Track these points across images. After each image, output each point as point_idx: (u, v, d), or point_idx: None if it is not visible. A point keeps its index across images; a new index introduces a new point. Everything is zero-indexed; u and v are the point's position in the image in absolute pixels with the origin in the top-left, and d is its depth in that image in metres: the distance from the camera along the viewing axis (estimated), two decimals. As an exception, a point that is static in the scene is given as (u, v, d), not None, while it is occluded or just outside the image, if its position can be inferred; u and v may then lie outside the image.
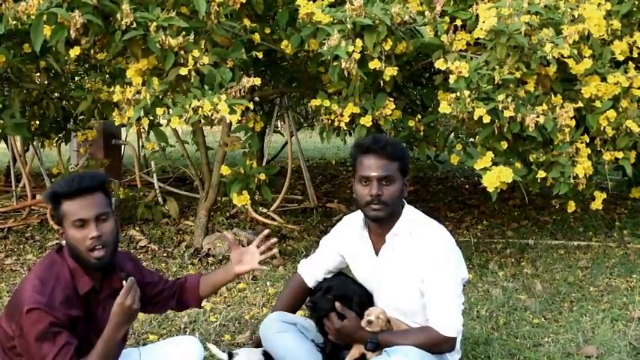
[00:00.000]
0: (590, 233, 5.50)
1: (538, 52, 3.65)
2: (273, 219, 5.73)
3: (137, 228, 5.53)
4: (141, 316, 3.55)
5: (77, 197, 2.27)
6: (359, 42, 3.69)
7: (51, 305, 2.20)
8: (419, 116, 4.45)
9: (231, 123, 4.23)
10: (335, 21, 3.75)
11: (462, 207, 6.63)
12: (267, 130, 6.88)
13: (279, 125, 8.91)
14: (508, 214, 6.26)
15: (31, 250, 5.07)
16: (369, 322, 2.66)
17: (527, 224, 5.83)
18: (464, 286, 2.75)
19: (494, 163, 3.84)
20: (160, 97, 3.71)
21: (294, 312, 3.05)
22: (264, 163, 6.32)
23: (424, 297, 2.66)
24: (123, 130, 7.02)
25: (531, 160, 3.97)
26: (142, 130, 4.02)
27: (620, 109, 4.01)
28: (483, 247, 5.14)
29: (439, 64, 3.83)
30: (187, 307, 2.82)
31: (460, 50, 3.95)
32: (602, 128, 3.96)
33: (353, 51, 3.66)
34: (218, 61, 3.84)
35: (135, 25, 3.51)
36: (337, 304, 2.71)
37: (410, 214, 2.75)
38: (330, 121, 4.19)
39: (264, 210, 5.88)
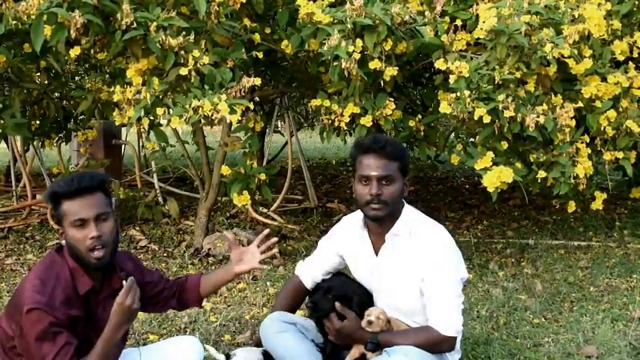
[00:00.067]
0: (590, 233, 5.50)
1: (538, 52, 3.65)
2: (273, 219, 5.73)
3: (137, 228, 5.53)
4: (141, 316, 3.55)
5: (77, 197, 2.27)
6: (359, 42, 3.69)
7: (51, 305, 2.20)
8: (419, 116, 4.45)
9: (231, 123, 4.23)
10: (335, 21, 3.75)
11: (462, 207, 6.63)
12: (267, 130, 6.88)
13: (280, 125, 8.92)
14: (508, 214, 6.26)
15: (32, 250, 5.07)
16: (369, 323, 2.66)
17: (527, 224, 5.83)
18: (464, 285, 2.76)
19: (495, 163, 3.84)
20: (160, 97, 3.71)
21: (292, 313, 3.05)
22: (264, 163, 6.32)
23: (424, 297, 2.66)
24: (123, 130, 7.03)
25: (531, 160, 3.97)
26: (142, 130, 4.01)
27: (621, 109, 4.01)
28: (483, 247, 5.14)
29: (439, 64, 3.83)
30: (188, 306, 2.82)
31: (460, 50, 3.95)
32: (602, 128, 3.96)
33: (353, 51, 3.66)
34: (218, 61, 3.84)
35: (135, 25, 3.51)
36: (337, 305, 2.71)
37: (409, 213, 2.75)
38: (330, 121, 4.19)
39: (265, 210, 5.88)
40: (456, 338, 2.65)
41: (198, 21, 3.77)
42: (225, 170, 4.35)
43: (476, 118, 3.69)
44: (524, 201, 5.87)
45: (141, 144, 7.05)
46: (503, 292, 4.04)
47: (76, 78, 5.94)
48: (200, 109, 3.51)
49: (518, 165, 3.96)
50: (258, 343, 2.97)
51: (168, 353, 2.60)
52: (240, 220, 5.76)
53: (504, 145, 3.87)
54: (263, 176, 4.34)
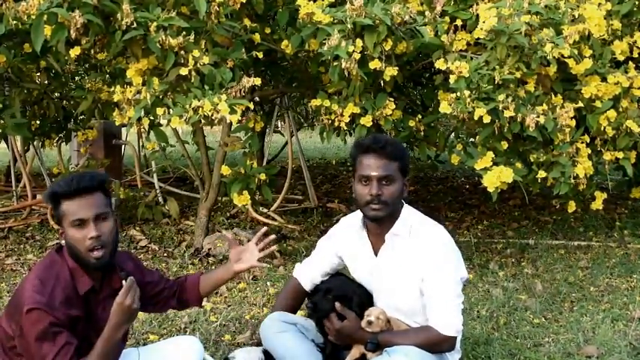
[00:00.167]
0: (590, 233, 5.50)
1: (538, 52, 3.65)
2: (273, 219, 5.73)
3: (137, 228, 5.53)
4: (141, 315, 3.55)
5: (76, 197, 2.27)
6: (359, 42, 3.69)
7: (51, 305, 2.20)
8: (419, 116, 4.45)
9: (231, 123, 4.23)
10: (335, 21, 3.75)
11: (462, 207, 6.63)
12: (267, 130, 6.88)
13: (280, 125, 8.92)
14: (508, 214, 6.26)
15: (32, 250, 5.07)
16: (369, 323, 2.66)
17: (527, 224, 5.83)
18: (464, 285, 2.76)
19: (495, 163, 3.84)
20: (161, 97, 3.71)
21: None
22: (264, 163, 6.32)
23: (424, 297, 2.66)
24: (123, 130, 7.03)
25: (532, 160, 3.97)
26: (142, 130, 4.02)
27: (621, 109, 4.01)
28: (484, 247, 5.14)
29: (439, 64, 3.83)
30: (188, 306, 2.82)
31: (460, 50, 3.95)
32: (602, 128, 3.96)
33: (353, 51, 3.66)
34: (218, 61, 3.84)
35: (135, 25, 3.51)
36: (337, 305, 2.71)
37: (409, 214, 2.75)
38: (330, 121, 4.19)
39: (265, 210, 5.88)
40: (456, 338, 2.65)
41: (198, 21, 3.77)
42: (226, 170, 4.35)
43: (476, 118, 3.69)
44: (525, 201, 5.87)
45: (141, 144, 7.06)
46: (504, 292, 4.04)
47: (76, 78, 5.95)
48: (200, 109, 3.51)
49: (519, 165, 3.96)
50: (258, 343, 2.97)
51: (168, 353, 2.60)
52: (240, 220, 5.76)
53: (504, 145, 3.87)
54: (263, 176, 4.34)
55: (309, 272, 2.99)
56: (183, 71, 3.65)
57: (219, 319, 3.62)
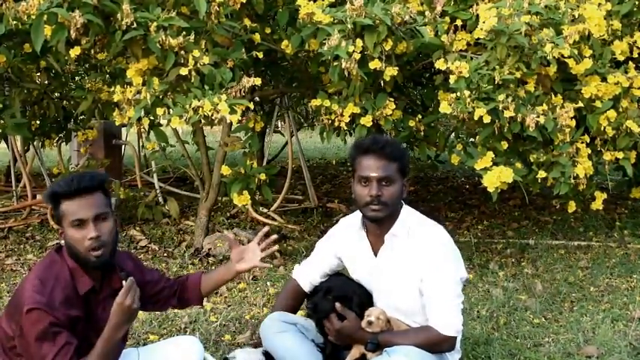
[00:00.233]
0: (590, 233, 5.50)
1: (538, 52, 3.65)
2: (273, 219, 5.74)
3: (137, 228, 5.53)
4: (141, 315, 3.55)
5: (76, 197, 2.27)
6: (359, 42, 3.69)
7: (51, 305, 2.20)
8: (419, 116, 4.45)
9: (231, 123, 4.23)
10: (335, 21, 3.75)
11: (462, 207, 6.63)
12: (267, 130, 6.88)
13: (280, 125, 8.92)
14: (508, 214, 6.26)
15: (32, 250, 5.07)
16: (369, 323, 2.66)
17: (527, 224, 5.83)
18: (464, 285, 2.75)
19: (495, 163, 3.84)
20: (161, 97, 3.71)
21: None
22: (264, 163, 6.32)
23: (423, 297, 2.66)
24: (123, 130, 7.04)
25: (532, 160, 3.97)
26: (142, 130, 4.02)
27: (621, 109, 4.01)
28: (484, 247, 5.14)
29: (439, 64, 3.83)
30: (189, 305, 2.82)
31: (460, 50, 3.95)
32: (602, 128, 3.96)
33: (353, 51, 3.66)
34: (218, 61, 3.84)
35: (135, 25, 3.51)
36: (337, 305, 2.71)
37: (408, 214, 2.75)
38: (330, 121, 4.19)
39: (265, 210, 5.88)
40: (456, 338, 2.65)
41: (198, 21, 3.77)
42: (226, 170, 4.35)
43: (476, 118, 3.69)
44: (525, 201, 5.87)
45: (141, 144, 7.06)
46: (504, 292, 4.04)
47: (76, 78, 5.95)
48: (200, 109, 3.51)
49: (519, 165, 3.96)
50: (257, 344, 2.97)
51: (169, 353, 2.60)
52: (240, 220, 5.76)
53: (504, 145, 3.87)
54: (263, 176, 4.34)
55: (309, 273, 2.99)
56: (183, 71, 3.65)
57: (219, 319, 3.62)
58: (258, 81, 3.75)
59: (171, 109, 3.64)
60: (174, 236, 5.39)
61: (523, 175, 3.91)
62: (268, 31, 4.32)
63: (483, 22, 3.68)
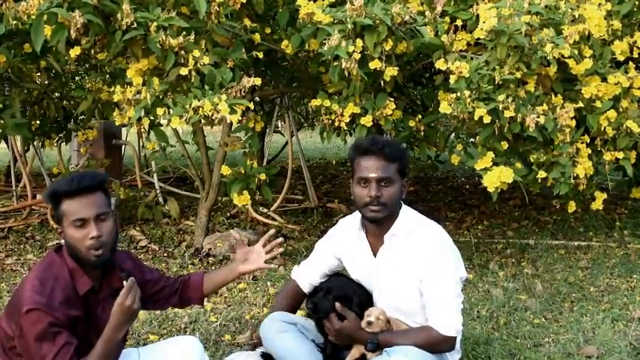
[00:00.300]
0: (590, 233, 5.50)
1: (538, 53, 3.65)
2: (273, 219, 5.74)
3: (137, 228, 5.53)
4: (141, 315, 3.55)
5: (77, 196, 2.27)
6: (359, 42, 3.69)
7: (50, 305, 2.19)
8: (419, 116, 4.45)
9: (231, 123, 4.24)
10: (335, 21, 3.75)
11: (462, 207, 6.63)
12: (267, 130, 6.88)
13: (280, 125, 8.92)
14: (508, 214, 6.26)
15: (32, 250, 5.07)
16: (369, 323, 2.66)
17: (527, 224, 5.83)
18: (463, 285, 2.75)
19: (495, 164, 3.84)
20: (161, 97, 3.71)
21: None
22: (264, 163, 6.32)
23: (423, 297, 2.66)
24: (123, 130, 7.04)
25: (532, 161, 3.97)
26: (142, 130, 4.02)
27: (621, 110, 4.01)
28: (484, 247, 5.14)
29: (439, 65, 3.83)
30: (190, 304, 2.82)
31: (460, 50, 3.95)
32: (602, 128, 3.96)
33: (353, 51, 3.66)
34: (218, 61, 3.84)
35: (135, 25, 3.51)
36: (337, 305, 2.71)
37: (407, 214, 2.75)
38: (330, 121, 4.19)
39: (265, 210, 5.88)
40: (455, 338, 2.65)
41: (198, 21, 3.77)
42: (226, 170, 4.35)
43: (476, 118, 3.69)
44: (525, 201, 5.87)
45: (141, 144, 7.06)
46: (504, 292, 4.04)
47: (76, 78, 5.95)
48: (200, 109, 3.51)
49: (519, 165, 3.96)
50: (257, 344, 2.96)
51: (169, 353, 2.59)
52: (240, 220, 5.76)
53: (504, 145, 3.87)
54: (263, 176, 4.34)
55: (308, 274, 2.99)
56: (184, 71, 3.65)
57: (219, 319, 3.62)
58: (258, 81, 3.75)
59: (171, 109, 3.64)
60: (174, 236, 5.39)
61: (523, 175, 3.91)
62: (268, 31, 4.32)
63: (483, 22, 3.68)
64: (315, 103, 4.21)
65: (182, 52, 3.64)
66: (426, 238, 2.69)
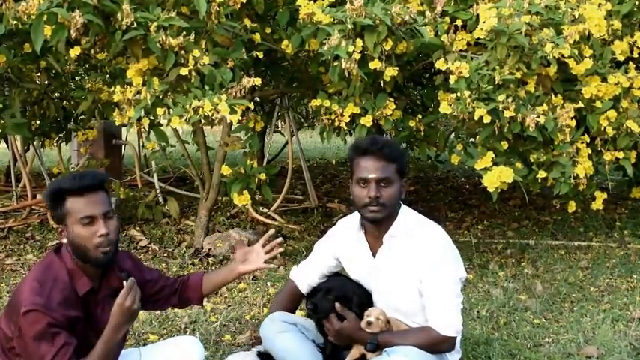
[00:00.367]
0: (590, 233, 5.50)
1: (538, 53, 3.65)
2: (273, 219, 5.74)
3: (137, 228, 5.53)
4: (141, 315, 3.55)
5: (83, 194, 2.27)
6: (359, 42, 3.69)
7: (49, 306, 2.19)
8: (419, 116, 4.45)
9: (231, 123, 4.23)
10: (335, 21, 3.75)
11: (462, 207, 6.63)
12: (267, 130, 6.88)
13: (280, 125, 8.92)
14: (509, 214, 6.26)
15: (32, 250, 5.07)
16: (369, 323, 2.66)
17: (527, 224, 5.83)
18: (463, 285, 2.75)
19: (495, 164, 3.84)
20: (161, 97, 3.71)
21: None
22: (264, 163, 6.32)
23: (423, 297, 2.66)
24: (123, 130, 7.04)
25: (532, 161, 3.97)
26: (142, 130, 4.02)
27: (621, 109, 4.01)
28: (484, 247, 5.14)
29: (439, 65, 3.83)
30: (189, 304, 2.82)
31: (460, 50, 3.95)
32: (602, 128, 3.96)
33: (353, 51, 3.66)
34: (218, 61, 3.84)
35: (135, 25, 3.51)
36: (337, 305, 2.71)
37: (406, 214, 2.75)
38: (330, 121, 4.19)
39: (265, 210, 5.88)
40: (455, 338, 2.65)
41: (198, 21, 3.77)
42: (226, 170, 4.35)
43: (476, 118, 3.69)
44: (525, 201, 5.87)
45: (141, 144, 7.06)
46: (504, 292, 4.04)
47: (76, 78, 5.95)
48: (200, 109, 3.51)
49: (519, 165, 3.97)
50: (255, 343, 2.96)
51: (169, 353, 2.60)
52: (240, 220, 5.76)
53: (504, 145, 3.87)
54: (263, 176, 4.34)
55: (306, 275, 2.98)
56: (184, 71, 3.65)
57: (219, 319, 3.62)
58: (258, 81, 3.75)
59: (171, 109, 3.64)
60: (174, 236, 5.39)
61: (523, 175, 3.91)
62: (268, 31, 4.33)
63: (483, 22, 3.68)
64: (315, 103, 4.22)
65: (182, 52, 3.64)
66: (426, 238, 2.68)
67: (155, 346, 2.73)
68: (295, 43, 4.04)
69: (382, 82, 3.98)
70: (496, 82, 3.70)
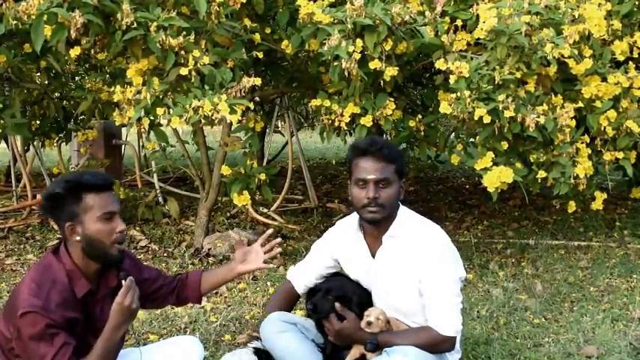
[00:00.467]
0: (590, 233, 5.50)
1: (538, 52, 3.65)
2: (273, 219, 5.73)
3: (137, 228, 5.53)
4: (141, 315, 3.55)
5: (102, 191, 2.30)
6: (359, 42, 3.69)
7: (47, 308, 2.19)
8: (419, 116, 4.45)
9: (231, 123, 4.23)
10: (335, 21, 3.75)
11: (462, 207, 6.63)
12: (267, 130, 6.88)
13: (280, 125, 8.92)
14: (508, 214, 6.26)
15: (32, 250, 5.07)
16: (369, 323, 2.66)
17: (527, 224, 5.83)
18: (463, 285, 2.75)
19: (495, 164, 3.84)
20: (161, 97, 3.71)
21: None
22: (264, 163, 6.32)
23: (422, 297, 2.66)
24: (123, 130, 7.04)
25: (532, 161, 3.97)
26: (142, 130, 4.02)
27: (621, 109, 4.01)
28: (484, 247, 5.14)
29: (439, 65, 3.83)
30: (187, 302, 2.83)
31: (460, 50, 3.95)
32: (602, 128, 3.96)
33: (353, 51, 3.66)
34: (218, 61, 3.84)
35: (135, 25, 3.51)
36: (337, 305, 2.71)
37: (405, 215, 2.75)
38: (330, 121, 4.19)
39: (265, 210, 5.88)
40: (455, 338, 2.65)
41: (198, 21, 3.78)
42: (226, 170, 4.35)
43: (476, 118, 3.69)
44: (525, 201, 5.87)
45: (141, 144, 7.06)
46: (504, 292, 4.04)
47: (76, 78, 5.95)
48: (200, 109, 3.51)
49: (519, 165, 3.96)
50: (248, 340, 2.93)
51: (169, 353, 2.60)
52: (240, 220, 5.76)
53: (504, 145, 3.87)
54: (263, 176, 4.34)
55: (303, 275, 2.98)
56: (184, 71, 3.65)
57: (219, 319, 3.62)
58: (258, 81, 3.75)
59: (171, 109, 3.64)
60: (174, 236, 5.39)
61: (523, 175, 3.91)
62: (268, 31, 4.33)
63: (483, 22, 3.68)
64: (315, 103, 4.21)
65: (182, 52, 3.64)
66: (425, 238, 2.68)
67: (155, 346, 2.72)
68: (295, 43, 4.04)
69: (382, 82, 3.98)
70: (496, 82, 3.70)
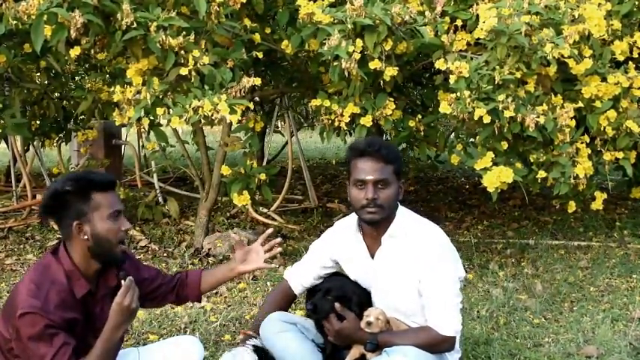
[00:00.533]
0: (590, 233, 5.50)
1: (538, 52, 3.65)
2: (273, 219, 5.74)
3: (137, 228, 5.53)
4: (141, 315, 3.55)
5: (108, 190, 2.31)
6: (359, 42, 3.69)
7: (46, 309, 2.18)
8: (419, 116, 4.45)
9: (231, 123, 4.23)
10: (335, 21, 3.75)
11: (462, 207, 6.63)
12: (267, 130, 6.88)
13: (280, 125, 8.92)
14: (508, 214, 6.26)
15: (32, 250, 5.07)
16: (369, 324, 2.66)
17: (527, 224, 5.83)
18: (463, 285, 2.75)
19: (495, 164, 3.84)
20: (161, 97, 3.71)
21: None
22: (264, 163, 6.32)
23: (422, 297, 2.66)
24: (123, 130, 7.04)
25: (532, 161, 3.97)
26: (142, 130, 4.02)
27: (621, 109, 4.01)
28: (484, 247, 5.14)
29: (439, 64, 3.83)
30: (186, 301, 2.83)
31: (460, 50, 3.95)
32: (602, 128, 3.96)
33: (353, 51, 3.66)
34: (218, 61, 3.85)
35: (135, 25, 3.51)
36: (337, 305, 2.71)
37: (404, 215, 2.74)
38: (330, 121, 4.19)
39: (265, 210, 5.88)
40: (455, 338, 2.65)
41: (198, 21, 3.78)
42: (226, 170, 4.35)
43: (476, 118, 3.69)
44: (525, 201, 5.87)
45: (141, 144, 7.06)
46: (504, 292, 4.04)
47: (76, 78, 5.95)
48: (200, 109, 3.51)
49: (519, 165, 3.97)
50: (245, 338, 2.92)
51: (168, 353, 2.60)
52: (240, 220, 5.76)
53: (504, 145, 3.87)
54: (263, 176, 4.34)
55: (301, 275, 2.97)
56: (183, 71, 3.65)
57: (219, 319, 3.61)
58: (258, 81, 3.75)
59: (171, 109, 3.64)
60: (174, 236, 5.39)
61: (523, 175, 3.91)
62: (268, 31, 4.33)
63: (483, 22, 3.68)
64: (315, 103, 4.21)
65: (182, 52, 3.64)
66: (424, 238, 2.68)
67: (155, 346, 2.72)
68: (295, 43, 4.04)
69: (382, 82, 3.98)
70: (496, 82, 3.70)
